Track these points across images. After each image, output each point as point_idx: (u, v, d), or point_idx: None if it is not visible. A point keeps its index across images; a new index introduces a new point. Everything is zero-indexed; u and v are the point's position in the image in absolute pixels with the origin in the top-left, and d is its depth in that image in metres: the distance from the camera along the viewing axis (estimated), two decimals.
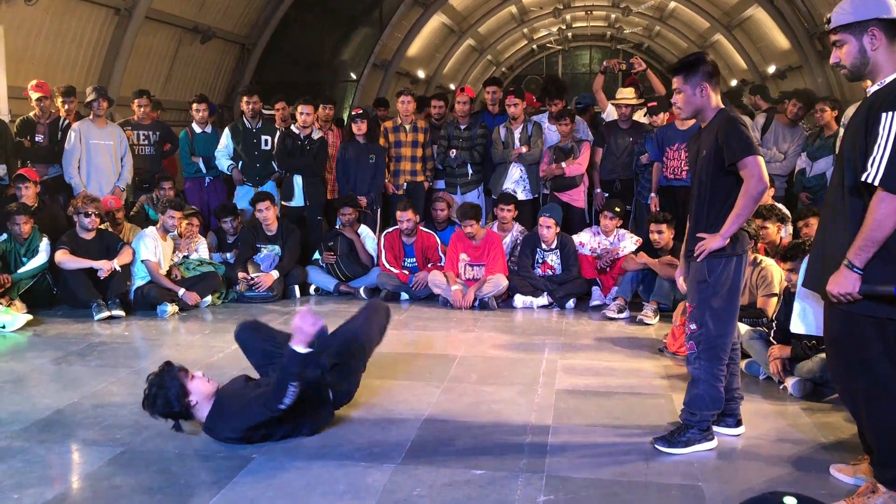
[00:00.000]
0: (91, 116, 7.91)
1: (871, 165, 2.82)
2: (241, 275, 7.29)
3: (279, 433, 3.84)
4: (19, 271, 6.71)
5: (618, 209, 7.24)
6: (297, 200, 7.98)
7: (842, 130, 7.25)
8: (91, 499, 3.29)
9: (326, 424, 4.01)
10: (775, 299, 5.20)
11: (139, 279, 6.90)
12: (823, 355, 4.40)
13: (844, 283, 2.89)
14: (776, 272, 5.35)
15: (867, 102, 2.96)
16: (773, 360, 4.69)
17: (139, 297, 6.83)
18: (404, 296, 7.36)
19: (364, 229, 7.76)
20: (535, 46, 29.87)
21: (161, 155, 8.65)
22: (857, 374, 3.02)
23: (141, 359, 5.53)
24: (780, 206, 6.38)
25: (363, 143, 8.00)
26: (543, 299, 7.02)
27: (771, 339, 4.81)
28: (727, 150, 3.54)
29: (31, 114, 7.87)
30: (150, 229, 7.05)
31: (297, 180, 7.94)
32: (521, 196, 7.89)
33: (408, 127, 8.15)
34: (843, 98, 12.43)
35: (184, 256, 7.26)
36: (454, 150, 8.03)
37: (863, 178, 2.85)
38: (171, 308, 6.71)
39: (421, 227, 7.55)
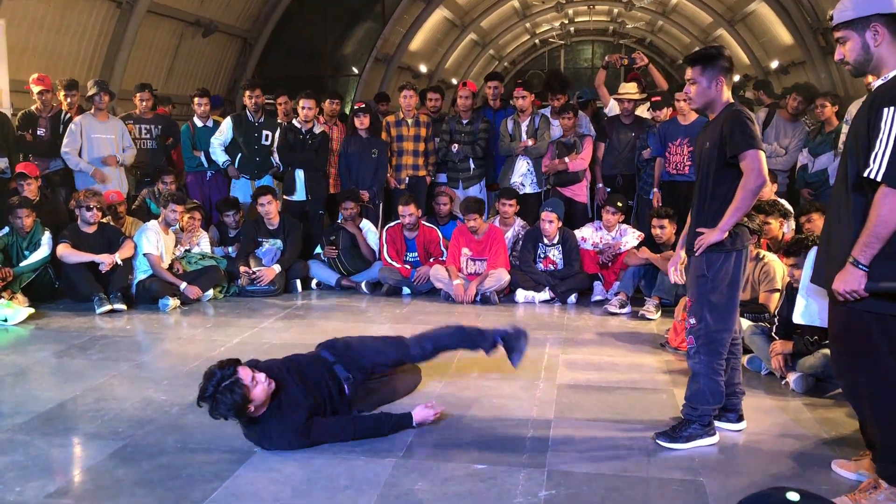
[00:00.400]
0: (92, 110, 7.90)
1: (874, 161, 2.81)
2: (242, 269, 7.29)
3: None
4: (21, 265, 6.71)
5: (620, 204, 7.23)
6: (299, 195, 7.97)
7: (844, 126, 7.23)
8: (93, 492, 3.30)
9: None
10: (777, 294, 5.19)
11: (141, 273, 6.90)
12: (825, 351, 4.41)
13: (850, 280, 2.88)
14: (778, 267, 5.34)
15: (870, 97, 2.95)
16: (775, 356, 4.68)
17: (141, 291, 6.83)
18: (406, 290, 7.36)
19: (366, 223, 7.76)
20: (537, 41, 29.83)
21: (163, 149, 8.64)
22: (861, 369, 3.02)
23: (143, 352, 5.53)
24: (782, 201, 6.37)
25: (365, 138, 7.99)
26: (545, 294, 7.02)
27: (773, 334, 4.80)
28: (730, 143, 3.54)
29: (33, 107, 7.86)
30: (152, 223, 7.05)
31: (299, 174, 7.93)
32: (528, 189, 7.89)
33: (410, 121, 8.14)
34: (846, 94, 12.41)
35: (185, 250, 7.25)
36: (456, 145, 8.02)
37: (865, 174, 2.84)
38: (173, 302, 6.71)
39: (423, 222, 7.54)
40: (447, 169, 8.26)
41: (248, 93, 8.20)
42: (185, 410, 4.22)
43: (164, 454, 3.65)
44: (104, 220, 7.13)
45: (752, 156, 3.51)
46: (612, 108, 8.27)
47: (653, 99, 7.79)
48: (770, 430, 3.97)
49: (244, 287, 7.27)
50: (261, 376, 3.65)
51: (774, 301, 5.20)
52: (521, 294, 7.05)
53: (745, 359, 4.83)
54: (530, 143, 7.80)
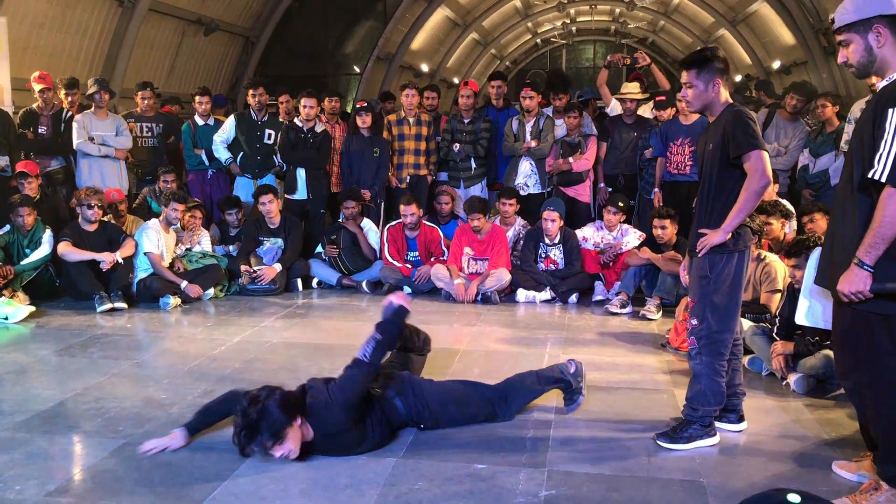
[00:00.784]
0: (93, 108, 7.91)
1: (878, 162, 2.81)
2: (243, 267, 7.29)
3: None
4: (22, 263, 6.71)
5: (621, 204, 7.22)
6: (301, 193, 7.97)
7: (847, 126, 7.22)
8: (93, 490, 3.30)
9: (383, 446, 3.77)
10: (779, 295, 5.19)
11: (142, 271, 6.90)
12: (826, 351, 4.41)
13: (855, 281, 2.88)
14: (780, 268, 5.34)
15: (875, 98, 2.95)
16: (776, 356, 4.68)
17: (141, 290, 6.83)
18: (407, 289, 7.35)
19: (367, 223, 7.75)
20: (539, 41, 29.83)
21: (164, 147, 8.64)
22: (864, 370, 3.02)
23: (143, 351, 5.53)
24: (783, 202, 6.36)
25: (367, 137, 7.98)
26: (546, 294, 7.02)
27: (774, 335, 4.80)
28: (732, 143, 3.54)
29: (35, 105, 7.86)
30: (153, 221, 7.05)
31: (301, 173, 7.93)
32: (531, 190, 7.89)
33: (411, 120, 8.14)
34: (848, 94, 12.40)
35: (186, 249, 7.25)
36: (457, 144, 8.02)
37: (870, 175, 2.83)
38: (174, 300, 6.71)
39: (424, 221, 7.54)
40: (448, 168, 8.26)
41: (251, 91, 8.20)
42: (185, 409, 4.21)
43: (164, 453, 3.64)
44: (105, 219, 7.13)
45: (755, 156, 3.50)
46: (614, 107, 8.26)
47: (657, 99, 7.79)
48: (771, 431, 3.96)
49: (245, 286, 7.27)
50: (297, 423, 3.46)
51: (775, 302, 5.20)
52: (521, 294, 7.05)
53: (745, 359, 4.83)
54: (534, 144, 7.80)
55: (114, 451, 3.66)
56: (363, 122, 7.95)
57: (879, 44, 2.92)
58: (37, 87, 7.77)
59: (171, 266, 6.99)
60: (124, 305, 6.60)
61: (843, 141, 7.21)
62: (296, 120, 7.95)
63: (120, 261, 6.72)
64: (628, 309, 6.58)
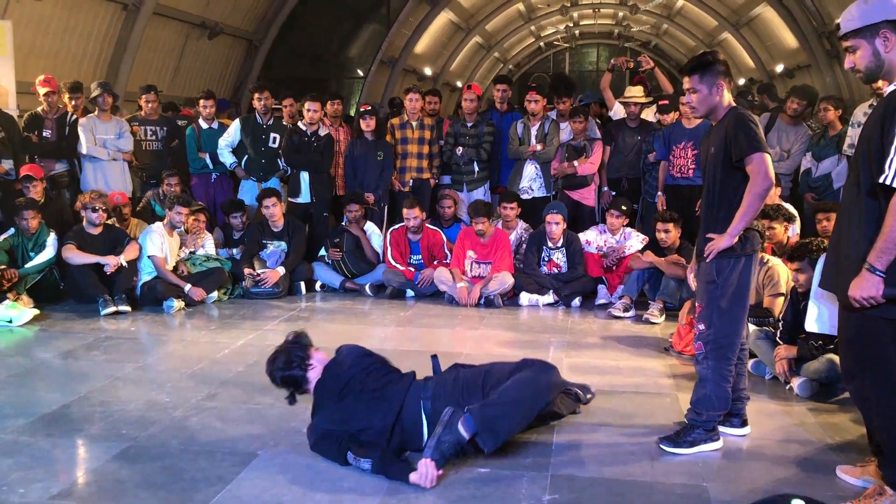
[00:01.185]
0: (96, 112, 7.92)
1: (889, 167, 2.81)
2: (246, 271, 7.29)
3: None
4: (26, 266, 6.73)
5: (624, 207, 7.22)
6: (304, 197, 7.97)
7: (850, 130, 7.21)
8: (96, 493, 3.30)
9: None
10: (782, 299, 5.18)
11: (145, 274, 6.91)
12: (830, 355, 4.41)
13: (867, 286, 2.87)
14: (783, 272, 5.33)
15: (883, 103, 2.94)
16: (779, 361, 4.67)
17: (145, 293, 6.84)
18: (410, 293, 7.36)
19: (370, 226, 7.76)
20: (542, 44, 29.86)
21: (168, 151, 8.65)
22: (870, 374, 3.01)
23: (147, 354, 5.54)
24: (786, 205, 6.35)
25: (371, 140, 7.99)
26: (549, 297, 7.01)
27: (777, 339, 4.79)
28: (735, 147, 3.54)
29: (39, 109, 7.88)
30: (157, 225, 7.06)
31: (304, 177, 7.93)
32: (536, 193, 7.88)
33: (414, 124, 8.14)
34: (852, 97, 12.39)
35: (190, 252, 7.26)
36: (460, 148, 8.02)
37: (880, 181, 2.83)
38: (178, 303, 6.72)
39: (427, 225, 7.54)
40: (451, 172, 8.26)
41: (256, 95, 8.21)
42: (189, 412, 4.22)
43: (167, 456, 3.65)
44: (109, 222, 7.14)
45: (758, 159, 3.50)
46: (618, 111, 8.27)
47: (660, 102, 7.79)
48: (774, 436, 3.96)
49: (248, 289, 7.27)
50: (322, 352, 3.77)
51: (779, 305, 5.19)
52: (524, 297, 7.05)
53: (749, 363, 4.81)
54: (539, 147, 7.80)
55: (117, 454, 3.67)
56: (367, 125, 7.96)
57: (887, 48, 2.92)
58: (41, 90, 7.80)
59: (175, 269, 7.00)
60: (128, 308, 6.61)
61: (847, 145, 7.20)
62: (299, 123, 7.96)
63: (124, 264, 6.73)
64: (631, 313, 6.58)
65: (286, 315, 6.62)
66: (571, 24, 27.05)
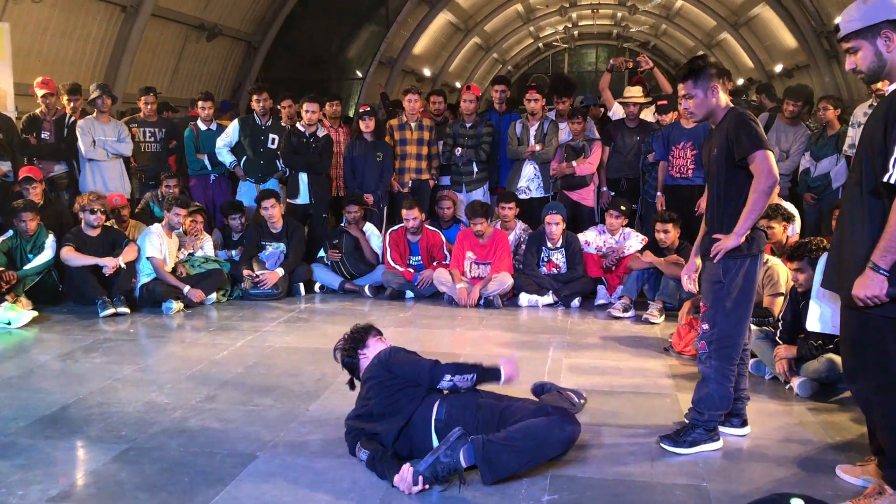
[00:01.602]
0: (95, 113, 7.92)
1: (893, 166, 2.80)
2: (245, 272, 7.29)
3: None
4: (25, 268, 6.72)
5: (623, 208, 7.22)
6: (303, 198, 7.97)
7: (850, 130, 7.21)
8: (95, 495, 3.29)
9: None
10: (781, 299, 5.18)
11: (144, 276, 6.90)
12: (830, 355, 4.40)
13: (872, 286, 2.86)
14: (782, 271, 5.32)
15: (886, 102, 2.93)
16: (779, 360, 4.67)
17: (144, 294, 6.84)
18: (409, 294, 7.36)
19: (369, 227, 7.75)
20: (541, 45, 29.88)
21: (167, 152, 8.65)
22: (872, 374, 3.01)
23: (146, 356, 5.53)
24: (786, 204, 6.35)
25: (370, 141, 7.99)
26: (549, 298, 7.01)
27: (777, 338, 4.79)
28: (737, 146, 3.54)
29: (38, 111, 7.88)
30: (156, 226, 7.05)
31: (303, 178, 7.93)
32: (534, 194, 7.88)
33: (413, 125, 8.13)
34: (850, 97, 12.40)
35: (189, 254, 7.26)
36: (459, 149, 8.01)
37: (885, 179, 2.82)
38: (177, 305, 6.71)
39: (426, 225, 7.54)
40: (450, 172, 8.26)
41: (255, 97, 8.21)
42: (188, 414, 4.21)
43: (167, 458, 3.64)
44: (108, 224, 7.14)
45: (760, 157, 3.50)
46: (617, 111, 8.27)
47: (658, 103, 7.79)
48: (774, 435, 3.95)
49: (247, 290, 7.27)
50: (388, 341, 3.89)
51: (778, 305, 5.18)
52: (524, 298, 7.04)
53: (749, 363, 4.80)
54: (538, 147, 7.79)
55: (116, 455, 3.66)
56: (366, 126, 7.95)
57: (889, 48, 2.91)
58: (40, 92, 7.80)
59: (174, 271, 7.00)
60: (127, 310, 6.60)
61: (847, 145, 7.20)
62: (298, 125, 7.95)
63: (122, 265, 6.73)
64: (631, 313, 6.58)
65: (285, 316, 6.61)
66: (570, 25, 27.08)
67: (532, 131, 7.90)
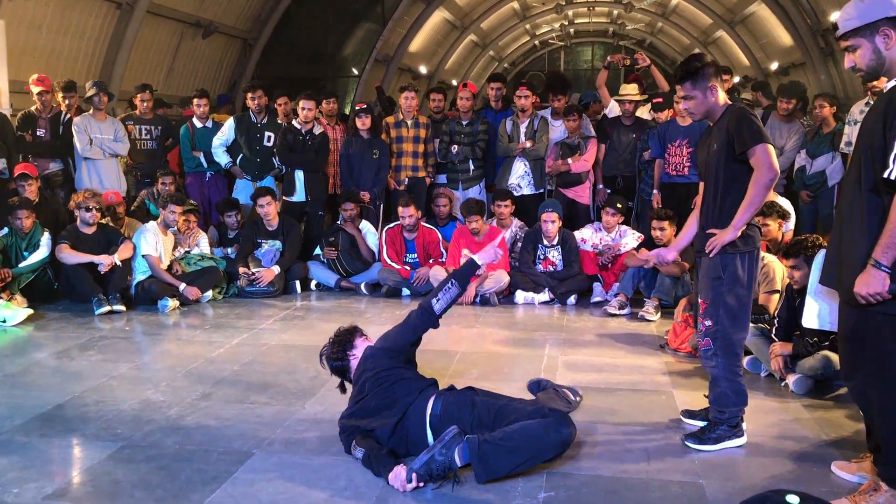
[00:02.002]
0: (91, 111, 7.90)
1: (893, 162, 2.80)
2: (241, 270, 7.28)
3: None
4: (20, 265, 6.70)
5: (619, 205, 7.22)
6: (299, 195, 7.96)
7: (847, 127, 7.23)
8: (91, 493, 3.29)
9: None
10: (777, 296, 5.19)
11: (140, 274, 6.89)
12: (825, 352, 4.41)
13: (874, 282, 2.86)
14: (778, 269, 5.34)
15: (885, 98, 2.94)
16: (774, 357, 4.68)
17: (140, 292, 6.83)
18: (405, 291, 7.36)
19: (365, 224, 7.75)
20: (537, 42, 29.85)
21: (163, 150, 8.63)
22: (870, 371, 3.01)
23: (142, 353, 5.52)
24: (780, 200, 6.36)
25: (367, 139, 7.98)
26: (545, 295, 7.01)
27: (773, 335, 4.80)
28: (737, 140, 3.54)
29: (33, 108, 7.86)
30: (151, 224, 7.04)
31: (299, 175, 7.92)
32: (525, 191, 7.88)
33: (409, 122, 8.13)
34: (846, 95, 12.41)
35: (185, 251, 7.25)
36: (456, 146, 8.00)
37: (885, 176, 2.82)
38: (172, 303, 6.70)
39: (422, 223, 7.54)
40: (447, 170, 8.25)
41: (250, 94, 8.20)
42: (183, 412, 4.21)
43: (162, 456, 3.64)
44: (103, 221, 7.12)
45: (761, 150, 3.50)
46: (613, 109, 8.27)
47: (654, 101, 7.80)
48: (770, 432, 3.96)
49: (243, 288, 7.26)
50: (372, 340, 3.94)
51: (774, 302, 5.19)
52: (520, 295, 7.04)
53: (745, 360, 4.82)
54: (528, 144, 7.79)
55: (112, 453, 3.66)
56: (363, 123, 7.94)
57: (887, 46, 2.91)
58: (35, 89, 7.77)
59: (170, 268, 6.99)
60: (122, 308, 6.60)
61: (844, 142, 7.21)
62: (294, 122, 7.94)
63: (118, 263, 6.72)
64: (627, 310, 6.58)
65: (281, 314, 6.61)
66: (566, 23, 27.07)
67: (522, 128, 7.89)
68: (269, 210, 7.44)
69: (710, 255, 3.65)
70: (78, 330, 6.03)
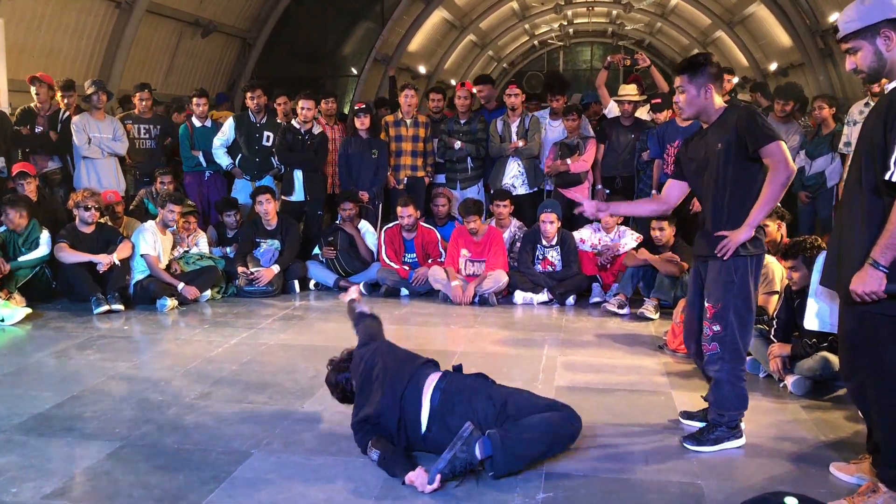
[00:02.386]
0: (90, 110, 7.89)
1: (894, 164, 2.80)
2: (240, 269, 7.28)
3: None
4: (19, 259, 6.67)
5: None
6: (298, 195, 7.96)
7: (846, 128, 7.23)
8: (89, 493, 3.29)
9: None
10: (776, 297, 5.19)
11: (138, 273, 6.88)
12: (824, 353, 4.42)
13: (870, 282, 2.86)
14: (777, 270, 5.34)
15: (886, 99, 2.93)
16: (773, 358, 4.68)
17: (139, 292, 6.82)
18: (404, 291, 7.36)
19: (364, 224, 7.75)
20: (536, 42, 29.84)
21: (161, 149, 8.63)
22: (869, 372, 3.01)
23: (140, 353, 5.52)
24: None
25: (366, 139, 7.97)
26: (543, 296, 7.01)
27: (771, 336, 4.80)
28: (750, 139, 3.49)
29: (32, 104, 7.85)
30: (150, 223, 7.03)
31: (298, 175, 7.92)
32: (519, 191, 7.87)
33: (409, 121, 8.12)
34: (845, 95, 12.41)
35: (184, 251, 7.25)
36: (459, 142, 7.96)
37: (886, 177, 2.82)
38: (171, 302, 6.70)
39: (421, 223, 7.54)
40: (445, 170, 8.25)
41: (249, 94, 8.19)
42: (182, 411, 4.21)
43: (161, 455, 3.63)
44: (102, 220, 7.12)
45: (776, 147, 3.46)
46: (612, 109, 8.27)
47: (653, 101, 7.80)
48: (768, 433, 3.96)
49: (242, 287, 7.26)
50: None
51: (773, 303, 5.20)
52: (519, 295, 7.04)
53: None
54: (521, 143, 7.79)
55: (111, 453, 3.65)
56: (362, 123, 7.94)
57: (888, 48, 2.91)
58: (34, 87, 7.78)
59: (168, 268, 6.99)
60: (121, 307, 6.59)
61: (843, 143, 7.22)
62: (293, 122, 7.94)
63: (116, 262, 6.71)
64: (626, 310, 6.58)
65: (280, 314, 6.60)
66: (565, 23, 27.06)
67: (514, 128, 7.89)
68: (268, 208, 7.44)
69: (725, 258, 3.58)
70: (76, 329, 6.02)
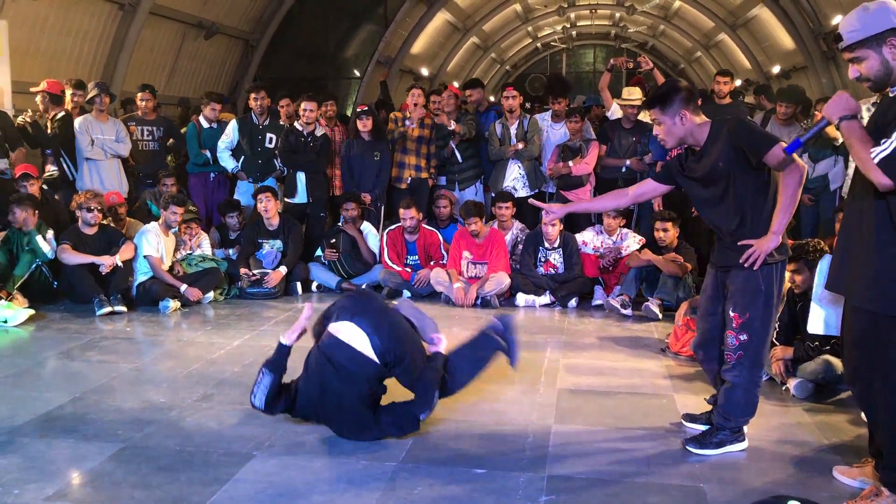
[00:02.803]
0: (93, 112, 7.91)
1: (882, 144, 2.80)
2: (242, 271, 7.28)
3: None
4: (27, 247, 6.69)
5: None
6: (300, 197, 7.96)
7: None
8: (91, 494, 3.29)
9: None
10: None
11: (141, 275, 6.89)
12: (826, 356, 4.41)
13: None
14: None
15: (888, 101, 2.93)
16: (775, 361, 4.67)
17: (141, 293, 6.82)
18: (406, 293, 7.35)
19: (366, 226, 7.75)
20: (539, 45, 29.86)
21: (165, 151, 8.63)
22: (875, 375, 3.01)
23: (143, 354, 5.52)
24: None
25: (368, 141, 7.97)
26: (546, 298, 7.01)
27: (774, 340, 4.79)
28: (750, 150, 3.45)
29: (37, 114, 7.87)
30: (153, 225, 7.04)
31: (301, 177, 7.92)
32: (521, 193, 7.87)
33: (415, 121, 8.09)
34: None
35: (187, 253, 7.25)
36: (454, 123, 7.81)
37: (871, 156, 2.82)
38: (174, 304, 6.70)
39: (423, 225, 7.54)
40: (445, 171, 8.24)
41: (253, 95, 8.20)
42: (184, 413, 4.21)
43: (163, 457, 3.63)
44: (105, 222, 7.13)
45: (778, 150, 3.40)
46: (614, 111, 8.27)
47: None
48: (771, 436, 3.96)
49: (244, 289, 7.26)
50: None
51: None
52: (521, 298, 7.04)
53: None
54: (520, 146, 7.78)
55: (113, 454, 3.66)
56: (364, 125, 7.93)
57: (894, 56, 2.90)
58: (40, 91, 7.84)
59: (171, 269, 6.99)
60: (124, 309, 6.60)
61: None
62: (296, 124, 7.94)
63: (119, 264, 6.72)
64: (629, 310, 6.58)
65: (282, 315, 6.60)
66: (568, 25, 27.06)
67: (513, 130, 7.88)
68: (269, 206, 7.43)
69: (755, 268, 3.52)
70: (79, 331, 6.03)
